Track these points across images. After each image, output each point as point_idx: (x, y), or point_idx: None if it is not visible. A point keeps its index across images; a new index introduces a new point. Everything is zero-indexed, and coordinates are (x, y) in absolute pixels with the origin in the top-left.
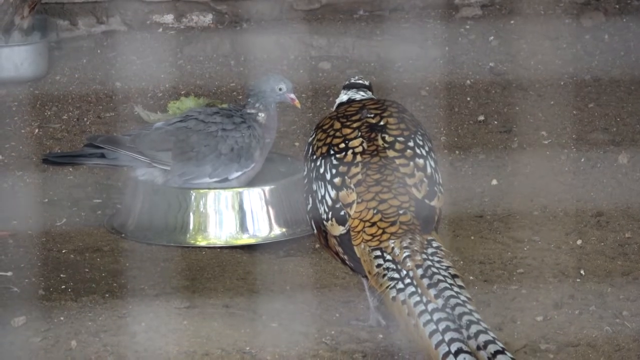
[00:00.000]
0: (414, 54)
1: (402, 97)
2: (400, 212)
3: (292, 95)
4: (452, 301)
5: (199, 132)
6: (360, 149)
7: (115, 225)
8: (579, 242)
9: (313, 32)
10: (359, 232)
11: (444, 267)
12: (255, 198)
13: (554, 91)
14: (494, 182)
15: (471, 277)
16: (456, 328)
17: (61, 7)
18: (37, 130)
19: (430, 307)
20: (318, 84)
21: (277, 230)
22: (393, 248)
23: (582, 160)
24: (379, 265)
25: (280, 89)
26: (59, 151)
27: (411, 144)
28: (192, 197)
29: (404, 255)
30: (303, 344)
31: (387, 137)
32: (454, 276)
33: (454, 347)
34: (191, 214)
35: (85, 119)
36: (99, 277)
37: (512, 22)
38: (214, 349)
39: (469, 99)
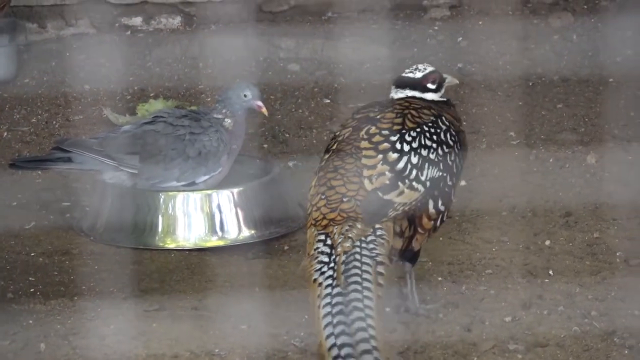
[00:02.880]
0: (382, 55)
1: (371, 98)
2: (344, 199)
3: (259, 102)
4: (352, 295)
5: (166, 136)
6: (341, 137)
7: (84, 227)
8: (548, 242)
9: (282, 33)
10: (309, 215)
11: (373, 255)
12: (224, 200)
13: (523, 92)
14: (463, 182)
15: (440, 278)
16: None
17: (30, 10)
18: (5, 134)
19: (335, 291)
20: (287, 85)
21: (246, 232)
22: (335, 234)
23: (551, 160)
24: (316, 249)
25: (245, 96)
26: (27, 155)
27: (394, 138)
28: (161, 200)
29: (339, 241)
30: (272, 346)
31: (372, 130)
32: (379, 263)
33: (340, 340)
34: (160, 217)
35: (54, 122)
36: (68, 280)
37: (480, 22)
38: (183, 351)
39: None
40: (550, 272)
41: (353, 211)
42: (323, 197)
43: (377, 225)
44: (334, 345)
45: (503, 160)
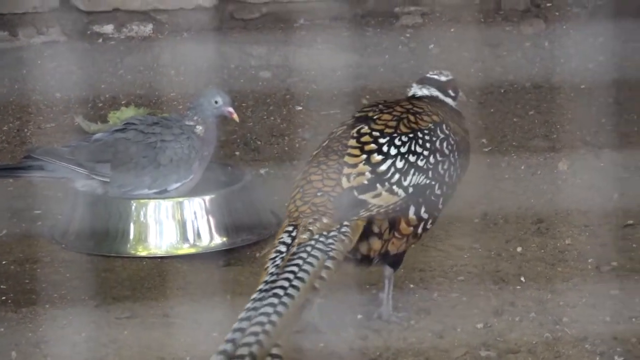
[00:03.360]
0: (354, 62)
1: (343, 105)
2: (319, 194)
3: (230, 109)
4: (275, 291)
5: (138, 143)
6: (334, 135)
7: (56, 235)
8: (519, 249)
9: (253, 41)
10: (287, 206)
11: (327, 250)
12: (196, 207)
13: (495, 98)
14: None
15: (411, 285)
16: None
17: (1, 17)
18: None
19: (270, 279)
20: (258, 92)
21: (218, 240)
22: (300, 226)
23: (523, 167)
24: (280, 239)
25: (216, 102)
26: None
27: (383, 140)
28: (133, 207)
29: (299, 233)
30: None
31: (364, 129)
32: (330, 258)
33: (235, 335)
34: (131, 224)
35: (25, 130)
36: (40, 288)
37: (452, 30)
38: (154, 359)
39: None
40: (522, 279)
41: (324, 206)
42: (301, 190)
43: (345, 223)
44: (227, 340)
45: (475, 167)
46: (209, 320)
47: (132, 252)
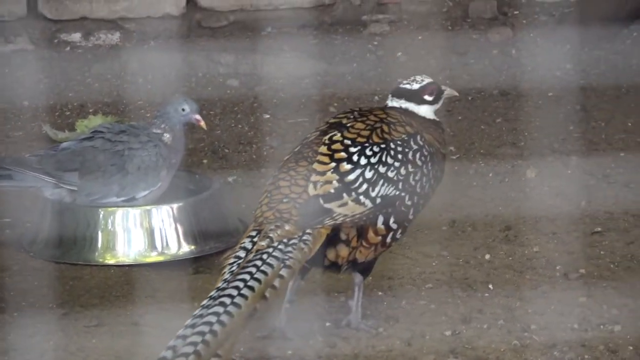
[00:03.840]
0: (322, 70)
1: (311, 113)
2: (285, 200)
3: (197, 116)
4: (221, 300)
5: (105, 152)
6: (306, 140)
7: (24, 243)
8: (488, 256)
9: (221, 49)
10: (254, 212)
11: (284, 258)
12: (164, 215)
13: (462, 106)
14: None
15: (380, 293)
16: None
17: None
18: None
19: (221, 285)
20: (226, 100)
21: (186, 248)
22: (262, 231)
23: (490, 174)
24: (242, 243)
25: (183, 110)
26: None
27: (354, 149)
28: (101, 215)
29: (259, 240)
30: None
31: (336, 136)
32: (286, 267)
33: (177, 342)
34: (99, 232)
35: None
36: (8, 296)
37: (420, 37)
38: None
39: None
40: (490, 286)
41: (288, 212)
42: (268, 195)
43: (308, 231)
44: (168, 346)
45: (444, 175)
46: (178, 328)
47: (100, 260)
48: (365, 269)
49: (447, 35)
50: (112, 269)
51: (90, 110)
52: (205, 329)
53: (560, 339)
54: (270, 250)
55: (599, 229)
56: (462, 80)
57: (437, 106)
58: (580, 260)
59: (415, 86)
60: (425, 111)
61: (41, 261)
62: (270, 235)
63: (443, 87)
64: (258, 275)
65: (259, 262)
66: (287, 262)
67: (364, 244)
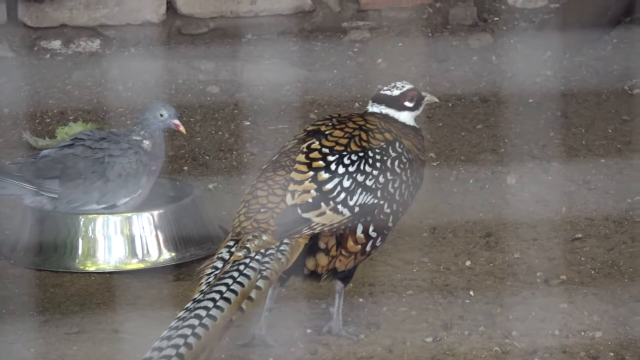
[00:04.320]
0: (302, 77)
1: (291, 120)
2: (262, 210)
3: (176, 121)
4: (198, 311)
5: (86, 159)
6: (284, 148)
7: (4, 251)
8: (468, 263)
9: (201, 56)
10: (232, 221)
11: (261, 268)
12: (145, 223)
13: (442, 112)
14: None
15: (361, 300)
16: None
17: None
18: None
19: (198, 297)
20: (207, 107)
21: (167, 255)
22: (240, 242)
23: (471, 181)
24: (219, 253)
25: (161, 115)
26: None
27: (332, 158)
28: (81, 223)
29: (236, 250)
30: None
31: (314, 145)
32: (263, 277)
33: (152, 354)
34: (80, 239)
35: None
36: None
37: (400, 44)
38: None
39: None
40: (471, 293)
41: (266, 222)
42: (246, 205)
43: (286, 241)
44: (144, 358)
45: (424, 182)
46: (159, 335)
47: (81, 267)
48: (345, 276)
49: (427, 42)
50: (93, 276)
51: (71, 118)
52: (180, 341)
53: (541, 345)
54: (247, 260)
55: (580, 236)
56: (443, 87)
57: (417, 112)
58: (561, 267)
59: (396, 92)
60: (405, 117)
61: (21, 268)
62: (248, 245)
63: (423, 94)
64: (234, 286)
65: (235, 274)
66: (264, 273)
67: (344, 252)
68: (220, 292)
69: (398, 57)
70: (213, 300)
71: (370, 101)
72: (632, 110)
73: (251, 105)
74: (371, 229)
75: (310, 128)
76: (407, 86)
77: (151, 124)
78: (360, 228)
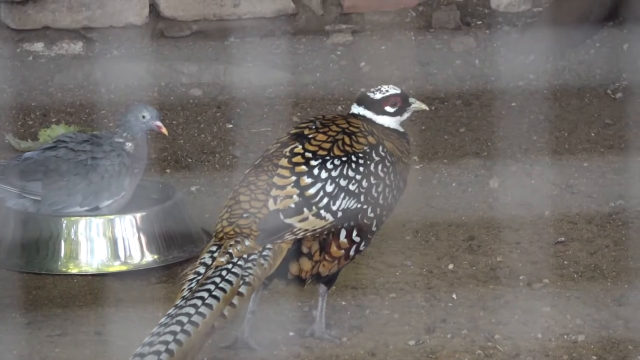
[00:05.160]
0: (285, 80)
1: (274, 123)
2: (245, 215)
3: (158, 123)
4: (184, 311)
5: (68, 161)
6: (267, 152)
7: None
8: (451, 266)
9: (184, 59)
10: (214, 226)
11: (244, 274)
12: (127, 225)
13: (425, 116)
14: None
15: (343, 303)
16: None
17: None
18: None
19: (179, 303)
20: (189, 110)
21: (149, 257)
22: (222, 247)
23: (454, 184)
24: (201, 259)
25: (143, 117)
26: None
27: (314, 163)
28: (64, 225)
29: (218, 256)
30: None
31: (297, 149)
32: (245, 283)
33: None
34: (62, 242)
35: None
36: None
37: (383, 47)
38: None
39: None
40: (454, 296)
41: (248, 227)
42: (229, 210)
43: (268, 246)
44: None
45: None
46: (141, 337)
47: (63, 269)
48: (329, 280)
49: (410, 45)
50: (75, 278)
51: (53, 120)
52: (162, 348)
53: (524, 348)
54: (230, 266)
55: (563, 239)
56: (426, 90)
57: (400, 118)
58: (544, 270)
59: (378, 96)
60: (384, 121)
61: (4, 271)
62: (230, 251)
63: (411, 100)
64: (217, 292)
65: (217, 279)
66: (247, 279)
67: (327, 257)
68: (202, 298)
69: (381, 60)
70: (195, 306)
71: (355, 102)
72: (614, 114)
73: (234, 108)
74: (354, 233)
75: (294, 131)
76: (392, 91)
77: (133, 125)
78: (343, 233)
